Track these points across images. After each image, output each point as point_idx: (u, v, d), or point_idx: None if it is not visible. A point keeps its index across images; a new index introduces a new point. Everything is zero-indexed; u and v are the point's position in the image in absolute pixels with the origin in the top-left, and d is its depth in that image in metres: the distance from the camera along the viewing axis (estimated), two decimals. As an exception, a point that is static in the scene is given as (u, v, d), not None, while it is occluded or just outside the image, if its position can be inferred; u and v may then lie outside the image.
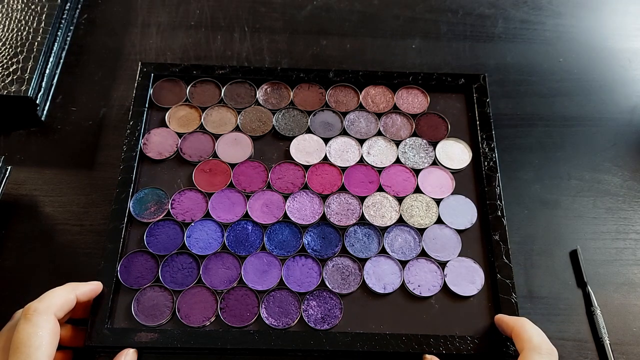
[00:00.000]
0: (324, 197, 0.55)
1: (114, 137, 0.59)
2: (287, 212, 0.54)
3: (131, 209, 0.54)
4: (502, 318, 0.47)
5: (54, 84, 0.62)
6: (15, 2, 0.62)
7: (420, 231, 0.54)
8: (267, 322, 0.49)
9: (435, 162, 0.58)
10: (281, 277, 0.51)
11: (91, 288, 0.47)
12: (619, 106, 0.64)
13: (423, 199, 0.56)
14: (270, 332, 0.48)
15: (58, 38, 0.63)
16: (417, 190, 0.56)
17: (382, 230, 0.54)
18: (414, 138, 0.59)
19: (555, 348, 0.42)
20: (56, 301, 0.43)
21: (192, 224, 0.53)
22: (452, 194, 0.56)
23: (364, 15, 0.69)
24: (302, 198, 0.55)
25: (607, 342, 0.49)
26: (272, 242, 0.53)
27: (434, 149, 0.59)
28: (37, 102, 0.58)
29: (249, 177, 0.56)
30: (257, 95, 0.61)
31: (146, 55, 0.65)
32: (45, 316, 0.41)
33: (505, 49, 0.67)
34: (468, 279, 0.52)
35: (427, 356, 0.47)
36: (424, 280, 0.52)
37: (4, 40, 0.59)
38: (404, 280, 0.51)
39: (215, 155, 0.57)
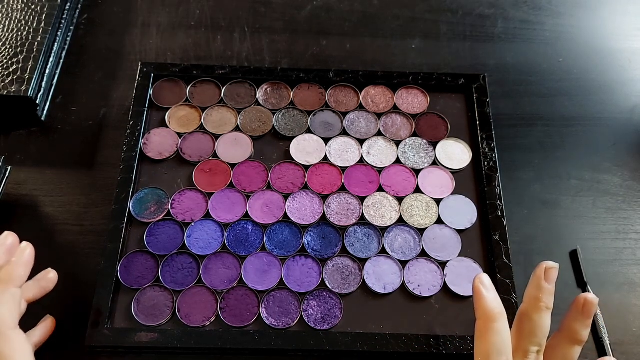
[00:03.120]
0: (324, 197, 0.55)
1: (114, 137, 0.59)
2: (287, 212, 0.54)
3: (131, 209, 0.54)
4: (475, 305, 0.41)
5: (54, 84, 0.62)
6: (15, 2, 0.62)
7: (420, 231, 0.54)
8: (267, 322, 0.49)
9: (435, 162, 0.58)
10: (281, 277, 0.51)
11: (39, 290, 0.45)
12: (618, 106, 0.64)
13: (423, 199, 0.56)
14: (270, 332, 0.48)
15: (58, 38, 0.63)
16: (417, 190, 0.56)
17: (382, 230, 0.54)
18: (414, 138, 0.59)
19: None
20: (5, 315, 0.39)
21: (192, 224, 0.53)
22: (452, 194, 0.56)
23: (364, 15, 0.69)
24: (302, 198, 0.55)
25: (607, 342, 0.49)
26: (272, 242, 0.53)
27: (434, 149, 0.59)
28: (37, 102, 0.58)
29: (249, 177, 0.56)
30: (257, 95, 0.61)
31: (146, 55, 0.65)
32: (5, 339, 0.39)
33: (505, 49, 0.67)
34: (468, 279, 0.52)
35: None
36: (424, 280, 0.52)
37: (4, 40, 0.59)
38: (404, 280, 0.51)
39: (215, 155, 0.57)
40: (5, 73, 0.57)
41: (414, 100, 0.62)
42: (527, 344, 0.40)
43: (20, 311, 0.42)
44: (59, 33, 0.63)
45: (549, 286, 0.41)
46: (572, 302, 0.41)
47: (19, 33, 0.60)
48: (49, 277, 0.45)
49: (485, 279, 0.42)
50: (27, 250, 0.42)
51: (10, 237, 0.43)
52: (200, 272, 0.51)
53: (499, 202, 0.55)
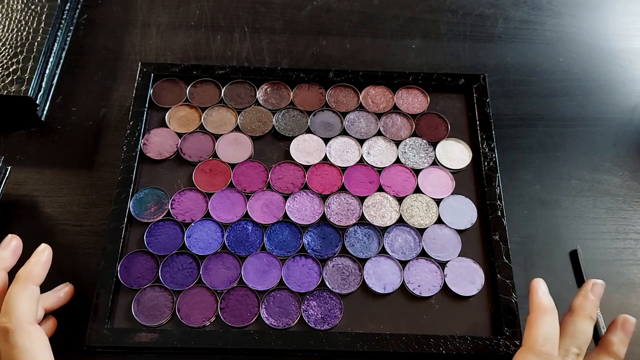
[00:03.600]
0: (324, 197, 0.55)
1: (114, 137, 0.59)
2: (287, 212, 0.54)
3: (131, 209, 0.54)
4: (530, 299, 0.46)
5: (54, 84, 0.62)
6: (15, 2, 0.62)
7: (420, 231, 0.54)
8: (267, 322, 0.49)
9: (435, 162, 0.58)
10: (281, 277, 0.51)
11: (58, 297, 0.48)
12: (619, 106, 0.64)
13: (423, 199, 0.56)
14: (270, 332, 0.48)
15: (58, 38, 0.63)
16: (417, 190, 0.56)
17: (382, 231, 0.54)
18: (414, 138, 0.59)
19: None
20: (25, 310, 0.40)
21: (192, 224, 0.53)
22: (452, 194, 0.56)
23: (364, 15, 0.69)
24: (302, 198, 0.55)
25: (608, 342, 0.49)
26: (272, 242, 0.53)
27: (434, 149, 0.59)
28: (37, 102, 0.58)
29: (249, 177, 0.56)
30: (257, 96, 0.61)
31: (146, 55, 0.65)
32: (25, 333, 0.39)
33: (505, 49, 0.67)
34: (468, 279, 0.52)
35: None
36: (424, 280, 0.52)
37: (4, 40, 0.59)
38: (404, 280, 0.51)
39: (215, 156, 0.57)
40: (5, 73, 0.57)
41: (414, 100, 0.61)
42: (569, 344, 0.44)
43: (38, 315, 0.44)
44: (59, 33, 0.63)
45: (594, 298, 0.46)
46: (613, 320, 0.47)
47: (19, 33, 0.60)
48: (66, 290, 0.49)
49: (543, 283, 0.47)
50: (46, 252, 0.45)
51: (14, 239, 0.45)
52: (200, 273, 0.51)
53: (499, 202, 0.55)
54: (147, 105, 0.59)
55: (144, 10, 0.68)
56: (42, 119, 0.60)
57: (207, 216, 0.54)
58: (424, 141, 0.59)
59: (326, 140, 0.59)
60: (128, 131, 0.57)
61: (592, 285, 0.47)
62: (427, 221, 0.55)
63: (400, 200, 0.56)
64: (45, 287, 0.48)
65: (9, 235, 0.45)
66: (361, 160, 0.58)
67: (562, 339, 0.44)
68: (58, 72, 0.62)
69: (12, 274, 0.44)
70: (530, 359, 0.41)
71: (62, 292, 0.48)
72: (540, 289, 0.46)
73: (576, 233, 0.55)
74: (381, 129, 0.59)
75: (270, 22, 0.68)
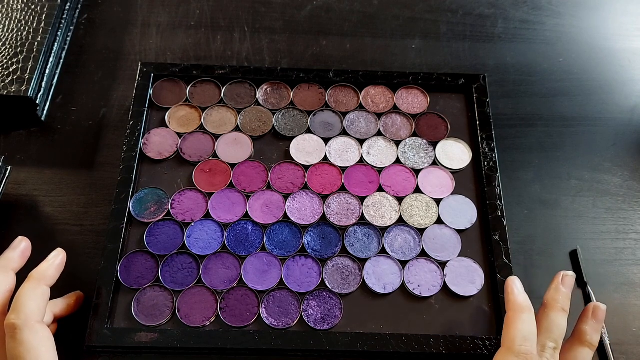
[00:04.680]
0: (324, 197, 0.55)
1: (114, 137, 0.59)
2: (287, 212, 0.54)
3: (131, 209, 0.54)
4: (506, 299, 0.46)
5: (54, 84, 0.62)
6: (15, 2, 0.62)
7: (420, 231, 0.54)
8: (267, 322, 0.49)
9: (435, 162, 0.58)
10: (281, 277, 0.51)
11: (67, 303, 0.48)
12: (619, 106, 0.64)
13: (423, 199, 0.56)
14: (270, 332, 0.48)
15: (58, 38, 0.63)
16: (417, 190, 0.56)
17: (382, 230, 0.54)
18: (414, 138, 0.59)
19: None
20: (34, 309, 0.41)
21: (192, 224, 0.53)
22: (452, 194, 0.56)
23: (364, 15, 0.69)
24: (302, 198, 0.55)
25: (607, 342, 0.49)
26: (272, 242, 0.53)
27: (434, 149, 0.59)
28: (37, 102, 0.58)
29: (249, 177, 0.56)
30: (257, 95, 0.61)
31: (146, 55, 0.65)
32: (33, 331, 0.40)
33: (505, 49, 0.67)
34: (468, 279, 0.52)
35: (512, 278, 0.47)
36: (424, 280, 0.52)
37: (4, 40, 0.59)
38: (404, 280, 0.51)
39: (215, 155, 0.57)
40: (5, 73, 0.57)
41: (414, 100, 0.62)
42: (545, 338, 0.44)
43: (47, 319, 0.44)
44: (59, 33, 0.63)
45: (565, 290, 0.46)
46: (584, 309, 0.47)
47: (19, 33, 0.60)
48: (76, 298, 0.49)
49: (518, 281, 0.46)
50: (61, 256, 0.45)
51: (24, 241, 0.46)
52: (200, 272, 0.51)
53: (499, 202, 0.55)
54: (147, 105, 0.59)
55: (144, 10, 0.68)
56: (42, 119, 0.60)
57: (207, 216, 0.54)
58: (424, 141, 0.59)
59: (326, 140, 0.59)
60: (128, 131, 0.57)
61: (563, 278, 0.46)
62: (427, 221, 0.55)
63: (400, 200, 0.56)
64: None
65: (19, 237, 0.46)
66: (361, 160, 0.58)
67: (538, 335, 0.44)
68: (58, 72, 0.63)
69: (19, 275, 0.44)
70: None
71: (71, 300, 0.48)
72: (515, 287, 0.46)
73: (576, 233, 0.56)
74: (381, 129, 0.59)
75: (270, 22, 0.68)
